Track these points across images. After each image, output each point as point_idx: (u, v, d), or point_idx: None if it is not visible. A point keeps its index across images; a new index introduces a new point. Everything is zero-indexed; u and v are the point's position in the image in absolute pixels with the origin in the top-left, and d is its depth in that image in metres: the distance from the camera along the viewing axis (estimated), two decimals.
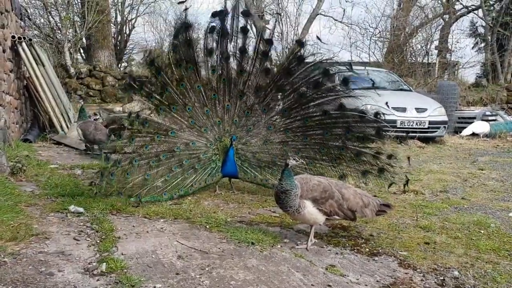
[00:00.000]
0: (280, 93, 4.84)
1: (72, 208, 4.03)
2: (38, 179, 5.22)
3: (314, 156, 4.80)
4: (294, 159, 3.31)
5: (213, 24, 4.74)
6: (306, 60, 4.67)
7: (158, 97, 4.64)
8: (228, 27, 4.76)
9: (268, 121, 4.88)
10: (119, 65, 19.29)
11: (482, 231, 3.92)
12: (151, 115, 4.68)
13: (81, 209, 4.03)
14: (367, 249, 3.45)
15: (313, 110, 4.72)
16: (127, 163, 4.34)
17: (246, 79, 4.81)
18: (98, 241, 3.33)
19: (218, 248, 3.30)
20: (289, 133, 4.83)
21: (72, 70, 14.94)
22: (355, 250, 3.42)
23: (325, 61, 4.69)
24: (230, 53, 4.80)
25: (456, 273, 3.03)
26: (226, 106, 4.86)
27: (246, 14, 4.89)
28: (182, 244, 3.35)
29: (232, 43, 4.80)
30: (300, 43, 4.79)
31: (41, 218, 3.82)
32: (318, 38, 6.11)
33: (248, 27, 4.87)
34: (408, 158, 4.74)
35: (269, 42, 4.80)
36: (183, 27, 4.64)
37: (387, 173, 4.51)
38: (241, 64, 4.81)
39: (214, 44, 4.78)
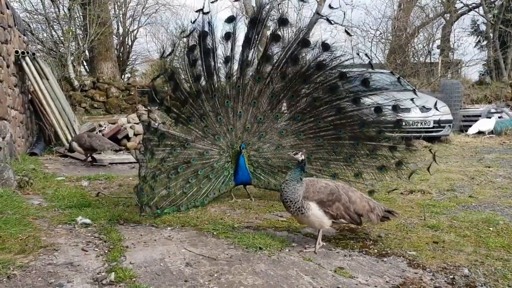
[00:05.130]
0: (294, 98, 4.75)
1: (79, 219, 4.05)
2: (45, 191, 5.25)
3: (327, 157, 4.76)
4: (301, 153, 3.35)
5: (229, 30, 4.61)
6: (326, 66, 4.52)
7: (176, 111, 4.53)
8: (252, 33, 4.62)
9: (280, 126, 4.82)
10: (123, 76, 19.43)
11: (491, 229, 3.90)
12: (169, 128, 4.57)
13: (88, 220, 4.04)
14: (375, 250, 3.43)
15: (327, 111, 4.64)
16: (151, 178, 4.17)
17: (262, 86, 4.71)
18: (106, 251, 3.34)
19: (226, 254, 3.30)
20: (301, 136, 4.77)
21: (76, 83, 15.04)
22: (364, 252, 3.41)
23: (343, 63, 4.54)
24: (250, 60, 4.68)
25: (466, 271, 3.01)
26: (239, 113, 4.77)
27: (284, 22, 4.68)
28: (190, 251, 3.35)
29: (252, 49, 4.66)
30: (326, 47, 4.50)
31: (49, 230, 3.84)
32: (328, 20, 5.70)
33: (280, 33, 4.64)
34: (434, 156, 4.47)
35: (306, 43, 4.57)
36: (200, 36, 4.51)
37: (405, 165, 4.47)
38: (260, 71, 4.70)
39: (230, 52, 4.66)
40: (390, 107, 4.49)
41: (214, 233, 3.79)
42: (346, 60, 4.60)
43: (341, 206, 3.37)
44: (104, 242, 3.55)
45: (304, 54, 4.66)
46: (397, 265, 3.15)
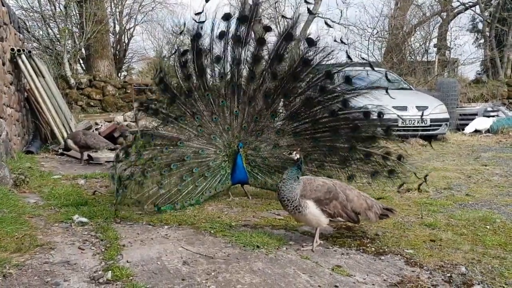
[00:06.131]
0: (288, 97, 4.73)
1: (76, 217, 4.03)
2: (42, 190, 5.22)
3: (323, 159, 4.73)
4: (296, 152, 3.36)
5: (223, 29, 4.62)
6: (312, 62, 4.47)
7: (164, 111, 4.56)
8: (241, 32, 4.62)
9: (277, 125, 4.81)
10: (119, 74, 19.35)
11: (488, 227, 3.90)
12: (159, 128, 4.61)
13: (85, 219, 4.03)
14: (373, 249, 3.43)
15: (320, 112, 4.61)
16: (139, 175, 4.20)
17: (256, 85, 4.70)
18: (103, 250, 3.33)
19: (224, 253, 3.29)
20: (297, 137, 4.74)
21: (72, 81, 14.98)
22: (361, 250, 3.41)
23: (328, 62, 4.49)
24: (242, 59, 4.67)
25: (463, 269, 3.02)
26: (235, 112, 4.76)
27: (267, 29, 4.69)
28: (187, 250, 3.34)
29: (245, 48, 4.66)
30: (311, 42, 4.43)
31: (46, 228, 3.82)
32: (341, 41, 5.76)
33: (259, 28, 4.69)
34: (425, 177, 4.70)
35: (290, 36, 4.52)
36: (194, 38, 4.57)
37: (397, 174, 4.46)
38: (253, 70, 4.68)
39: (223, 51, 4.67)
40: (376, 111, 4.44)
41: (211, 231, 3.79)
42: (332, 54, 4.53)
43: (339, 204, 3.36)
44: (100, 241, 3.53)
45: (288, 49, 4.62)
46: (395, 263, 3.15)
